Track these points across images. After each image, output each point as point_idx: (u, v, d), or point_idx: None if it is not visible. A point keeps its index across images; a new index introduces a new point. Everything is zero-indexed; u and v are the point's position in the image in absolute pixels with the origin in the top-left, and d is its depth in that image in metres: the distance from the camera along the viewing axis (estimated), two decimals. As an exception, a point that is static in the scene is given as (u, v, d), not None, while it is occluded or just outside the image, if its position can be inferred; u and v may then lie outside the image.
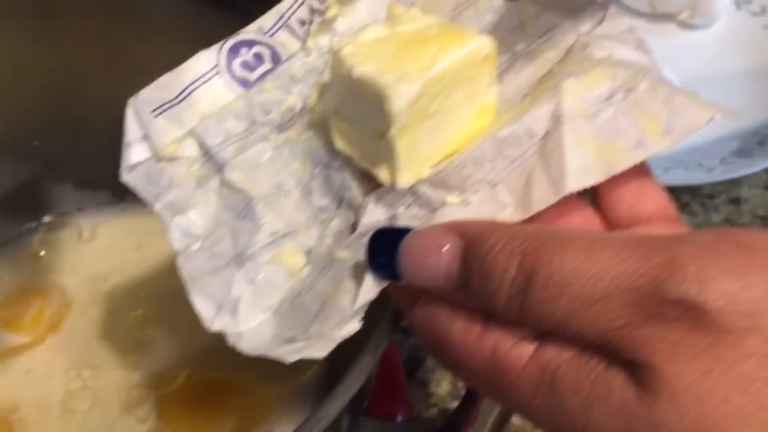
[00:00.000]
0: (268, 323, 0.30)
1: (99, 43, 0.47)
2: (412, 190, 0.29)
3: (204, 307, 0.31)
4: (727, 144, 0.62)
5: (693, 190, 0.61)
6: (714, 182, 0.60)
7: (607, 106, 0.28)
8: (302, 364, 0.44)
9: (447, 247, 0.26)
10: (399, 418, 0.48)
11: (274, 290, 0.31)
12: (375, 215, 0.30)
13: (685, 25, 0.73)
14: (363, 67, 0.28)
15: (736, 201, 0.61)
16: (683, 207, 0.61)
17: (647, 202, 0.29)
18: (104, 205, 0.52)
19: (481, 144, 0.29)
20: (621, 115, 0.28)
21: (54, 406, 0.43)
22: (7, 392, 0.44)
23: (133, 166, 0.32)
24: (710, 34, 0.73)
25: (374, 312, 0.34)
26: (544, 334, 0.24)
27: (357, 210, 0.31)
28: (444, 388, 0.52)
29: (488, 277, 0.24)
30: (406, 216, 0.29)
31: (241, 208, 0.32)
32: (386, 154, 0.29)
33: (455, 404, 0.52)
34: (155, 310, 0.47)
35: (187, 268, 0.31)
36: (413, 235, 0.27)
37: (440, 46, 0.29)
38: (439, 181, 0.29)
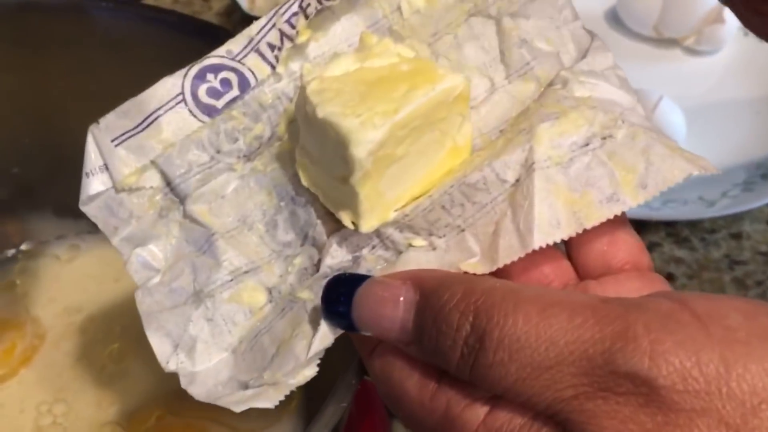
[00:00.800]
0: (226, 363, 0.30)
1: (79, 71, 0.46)
2: (377, 232, 0.28)
3: (160, 345, 0.30)
4: (729, 177, 0.61)
5: (693, 224, 0.60)
6: (715, 216, 0.58)
7: (582, 154, 0.27)
8: (277, 410, 0.44)
9: (402, 299, 0.25)
10: (380, 460, 0.47)
11: (233, 329, 0.30)
12: (338, 256, 0.29)
13: (691, 51, 0.72)
14: (327, 108, 0.27)
15: (737, 236, 0.59)
16: (682, 241, 0.59)
17: (619, 252, 0.28)
18: (84, 233, 0.51)
19: (450, 188, 0.28)
20: (596, 165, 0.27)
21: (22, 443, 0.42)
22: (-24, 427, 0.43)
23: (92, 197, 0.31)
24: (716, 61, 0.71)
25: (344, 356, 0.33)
26: (498, 397, 0.24)
27: (321, 248, 0.30)
28: (428, 427, 0.51)
29: (442, 334, 0.24)
30: (371, 258, 0.29)
31: (203, 242, 0.31)
32: (349, 198, 0.28)
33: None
34: (130, 345, 0.46)
35: (145, 304, 0.30)
36: (369, 283, 0.26)
37: (409, 87, 0.27)
38: (405, 224, 0.28)
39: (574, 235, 0.27)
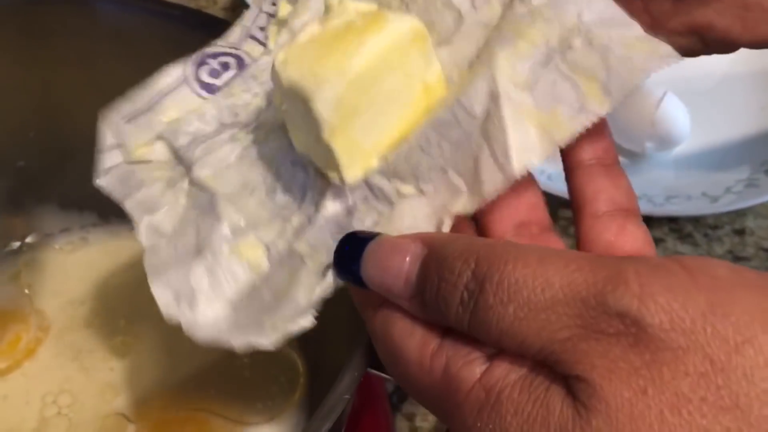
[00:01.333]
0: (225, 314, 0.30)
1: (84, 63, 0.46)
2: (367, 184, 0.29)
3: (162, 295, 0.31)
4: (733, 173, 0.61)
5: (696, 220, 0.60)
6: (719, 212, 0.58)
7: (546, 73, 0.27)
8: (280, 403, 0.44)
9: (410, 253, 0.26)
10: (382, 453, 0.47)
11: (233, 282, 0.31)
12: (332, 209, 0.30)
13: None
14: (289, 74, 0.28)
15: (740, 232, 0.60)
16: (685, 237, 0.59)
17: (626, 243, 0.29)
18: (89, 226, 0.51)
19: (425, 129, 0.28)
20: (560, 80, 0.27)
21: (26, 435, 0.43)
22: (-20, 420, 0.44)
23: (107, 170, 0.34)
24: (722, 57, 0.71)
25: (349, 347, 0.33)
26: (494, 355, 0.24)
27: (317, 206, 0.31)
28: (431, 421, 0.51)
29: (443, 281, 0.25)
30: (364, 208, 0.29)
31: (206, 204, 0.32)
32: (329, 154, 0.29)
33: (442, 438, 0.51)
34: (134, 338, 0.46)
35: (150, 261, 0.32)
36: (380, 239, 0.27)
37: (359, 38, 0.28)
38: (390, 171, 0.29)
39: (551, 154, 0.27)
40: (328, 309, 0.44)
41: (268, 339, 0.29)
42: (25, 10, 0.44)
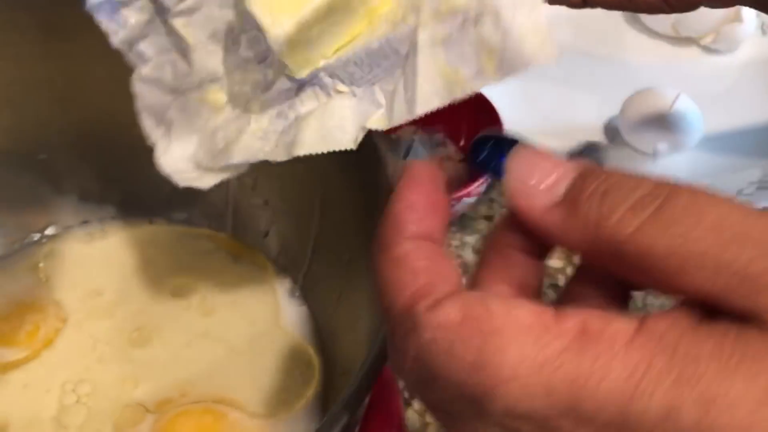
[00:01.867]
0: (192, 144, 0.36)
1: (107, 58, 0.46)
2: (313, 74, 0.32)
3: (146, 120, 0.37)
4: (744, 174, 0.61)
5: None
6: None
7: (459, 36, 0.30)
8: (295, 397, 0.45)
9: (563, 163, 0.24)
10: (393, 448, 0.48)
11: (199, 122, 0.36)
12: (285, 85, 0.33)
13: (709, 50, 0.72)
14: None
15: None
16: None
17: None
18: (108, 219, 0.51)
19: (360, 51, 0.31)
20: (468, 47, 0.30)
21: (46, 422, 0.43)
22: (-1, 408, 0.44)
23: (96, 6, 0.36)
24: (734, 60, 0.72)
25: (369, 335, 0.34)
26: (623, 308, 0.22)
27: (275, 72, 0.34)
28: (442, 416, 0.52)
29: (608, 193, 0.22)
30: (310, 92, 0.33)
31: (181, 49, 0.36)
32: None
33: (453, 434, 0.51)
34: (152, 331, 0.47)
35: (138, 90, 0.37)
36: (529, 146, 0.25)
37: None
38: (331, 72, 0.32)
39: (448, 103, 0.30)
40: (343, 306, 0.45)
41: (203, 183, 0.35)
42: (49, 5, 0.44)
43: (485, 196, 0.61)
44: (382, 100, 0.32)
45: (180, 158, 0.36)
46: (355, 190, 0.42)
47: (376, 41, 0.31)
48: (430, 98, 0.30)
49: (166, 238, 0.51)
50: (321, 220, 0.46)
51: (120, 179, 0.51)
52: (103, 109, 0.48)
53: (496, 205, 0.62)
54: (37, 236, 0.51)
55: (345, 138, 0.32)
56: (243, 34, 0.34)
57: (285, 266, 0.49)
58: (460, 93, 0.30)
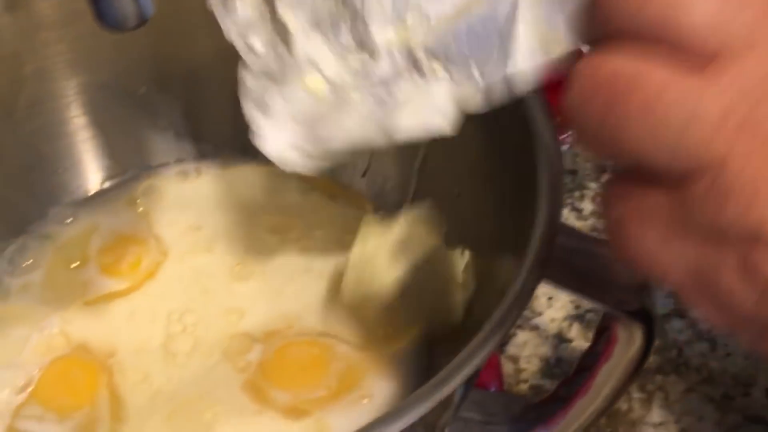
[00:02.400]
0: (294, 134, 0.35)
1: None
2: (411, 56, 0.32)
3: (245, 104, 0.36)
4: None
5: None
6: None
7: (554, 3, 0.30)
8: (400, 331, 0.44)
9: None
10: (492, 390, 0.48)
11: (299, 107, 0.35)
12: (384, 70, 0.33)
13: None
14: None
15: None
16: None
17: None
18: (204, 157, 0.51)
19: (462, 22, 0.31)
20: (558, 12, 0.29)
21: (153, 350, 0.43)
22: (104, 336, 0.44)
23: None
24: None
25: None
26: None
27: (374, 56, 0.34)
28: (535, 364, 0.51)
29: None
30: (407, 77, 0.32)
31: (285, 37, 0.36)
32: None
33: (546, 382, 0.51)
34: (254, 265, 0.47)
35: (243, 77, 0.36)
36: None
37: None
38: (428, 49, 0.32)
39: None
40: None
41: (309, 168, 0.35)
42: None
43: (569, 150, 0.61)
44: (480, 82, 0.31)
45: (284, 145, 0.36)
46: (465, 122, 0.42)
47: (475, 15, 0.31)
48: (528, 77, 0.30)
49: (260, 178, 0.51)
50: (425, 156, 0.46)
51: (218, 117, 0.50)
52: (204, 44, 0.47)
53: (580, 159, 0.62)
54: (133, 172, 0.51)
55: (443, 122, 0.32)
56: (343, 21, 0.34)
57: (384, 205, 0.49)
58: (559, 53, 0.29)
